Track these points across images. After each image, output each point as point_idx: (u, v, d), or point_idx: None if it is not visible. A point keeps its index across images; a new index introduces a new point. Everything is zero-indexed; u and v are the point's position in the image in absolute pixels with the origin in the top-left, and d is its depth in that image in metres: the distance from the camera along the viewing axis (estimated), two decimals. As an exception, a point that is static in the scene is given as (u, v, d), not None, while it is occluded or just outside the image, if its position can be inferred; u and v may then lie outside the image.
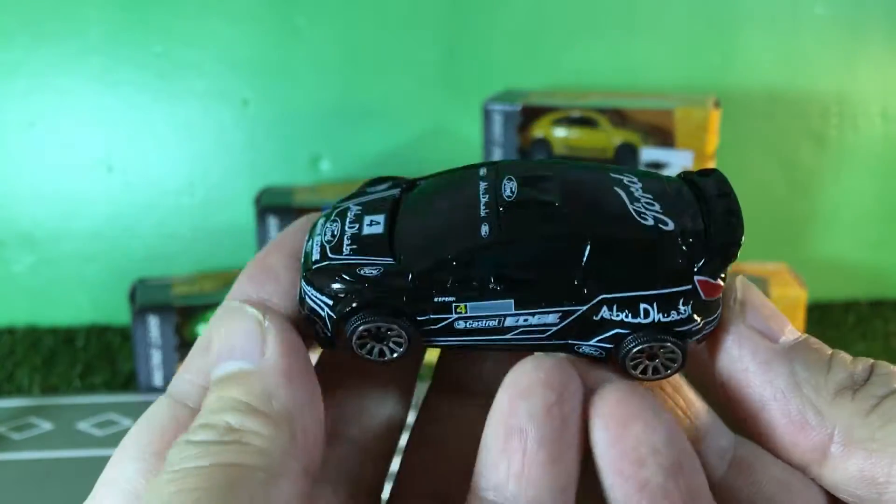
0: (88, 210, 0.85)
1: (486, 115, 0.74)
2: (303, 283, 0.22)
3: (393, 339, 0.22)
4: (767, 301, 0.22)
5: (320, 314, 0.22)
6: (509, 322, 0.21)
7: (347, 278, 0.22)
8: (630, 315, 0.21)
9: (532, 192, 0.22)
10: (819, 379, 0.21)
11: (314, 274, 0.22)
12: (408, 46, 0.84)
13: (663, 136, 0.72)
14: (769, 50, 0.86)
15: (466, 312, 0.21)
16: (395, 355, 0.23)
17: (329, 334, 0.22)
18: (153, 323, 0.73)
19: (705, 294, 0.21)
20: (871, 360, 0.21)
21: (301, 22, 0.83)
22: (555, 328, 0.21)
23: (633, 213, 0.21)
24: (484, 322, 0.22)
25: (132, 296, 0.75)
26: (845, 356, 0.21)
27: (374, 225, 0.23)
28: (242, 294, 0.22)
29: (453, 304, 0.21)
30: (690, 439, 0.21)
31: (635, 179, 0.23)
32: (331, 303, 0.22)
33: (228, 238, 0.86)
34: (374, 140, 0.85)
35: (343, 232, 0.23)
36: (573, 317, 0.21)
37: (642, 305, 0.21)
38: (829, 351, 0.21)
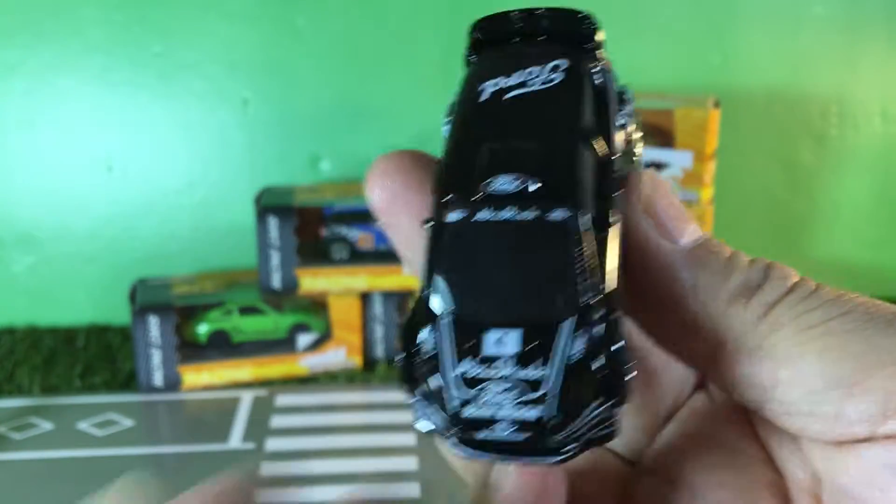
0: (88, 210, 0.85)
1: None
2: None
3: None
4: (675, 199, 0.22)
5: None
6: None
7: None
8: None
9: None
10: (715, 285, 0.21)
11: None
12: (408, 46, 0.84)
13: (663, 136, 0.72)
14: (769, 50, 0.86)
15: None
16: None
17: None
18: (153, 323, 0.73)
19: None
20: (768, 262, 0.21)
21: (301, 22, 0.83)
22: None
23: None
24: None
25: (132, 296, 0.75)
26: (743, 258, 0.21)
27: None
28: None
29: None
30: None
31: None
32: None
33: (228, 238, 0.86)
34: (374, 140, 0.85)
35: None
36: None
37: None
38: (728, 253, 0.21)
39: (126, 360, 0.78)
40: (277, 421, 0.69)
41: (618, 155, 0.21)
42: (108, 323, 0.86)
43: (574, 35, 0.23)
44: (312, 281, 0.77)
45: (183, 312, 0.76)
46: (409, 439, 0.66)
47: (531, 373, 0.19)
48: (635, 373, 0.19)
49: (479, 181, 0.20)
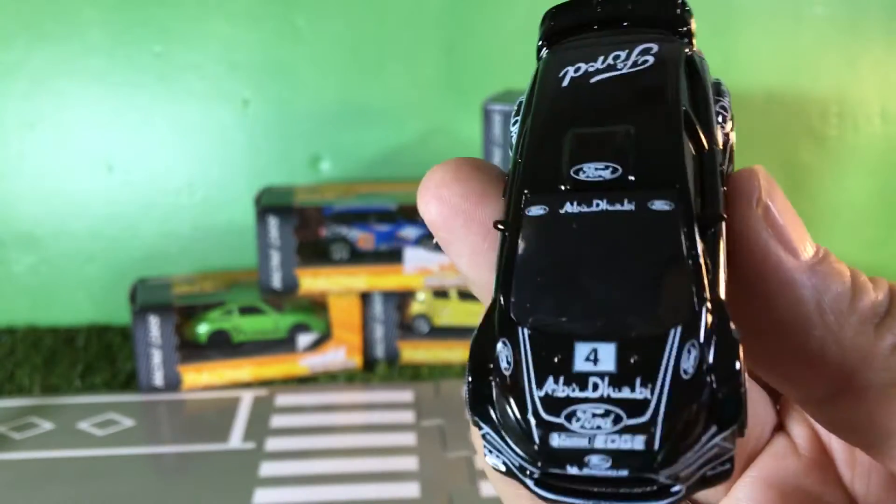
0: (89, 210, 0.85)
1: (486, 115, 0.74)
2: None
3: None
4: (789, 204, 0.19)
5: None
6: None
7: None
8: None
9: None
10: (842, 306, 0.18)
11: None
12: (408, 46, 0.84)
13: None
14: (769, 50, 0.86)
15: None
16: None
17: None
18: (153, 322, 0.73)
19: None
20: (888, 284, 0.19)
21: (301, 22, 0.83)
22: None
23: None
24: None
25: (132, 296, 0.75)
26: (866, 280, 0.19)
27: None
28: None
29: None
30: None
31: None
32: None
33: (228, 238, 0.86)
34: (374, 140, 0.86)
35: None
36: None
37: None
38: (849, 272, 0.19)
39: (126, 360, 0.78)
40: (277, 421, 0.69)
41: (719, 148, 0.19)
42: (108, 323, 0.86)
43: (662, 20, 0.20)
44: (312, 281, 0.77)
45: (183, 312, 0.76)
46: (409, 439, 0.66)
47: (633, 394, 0.15)
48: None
49: (566, 170, 0.17)
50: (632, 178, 0.17)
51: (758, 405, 0.21)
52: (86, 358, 0.79)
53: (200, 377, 0.75)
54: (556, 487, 0.16)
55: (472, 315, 0.78)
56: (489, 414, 0.16)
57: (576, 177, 0.17)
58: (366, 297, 0.79)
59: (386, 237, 0.78)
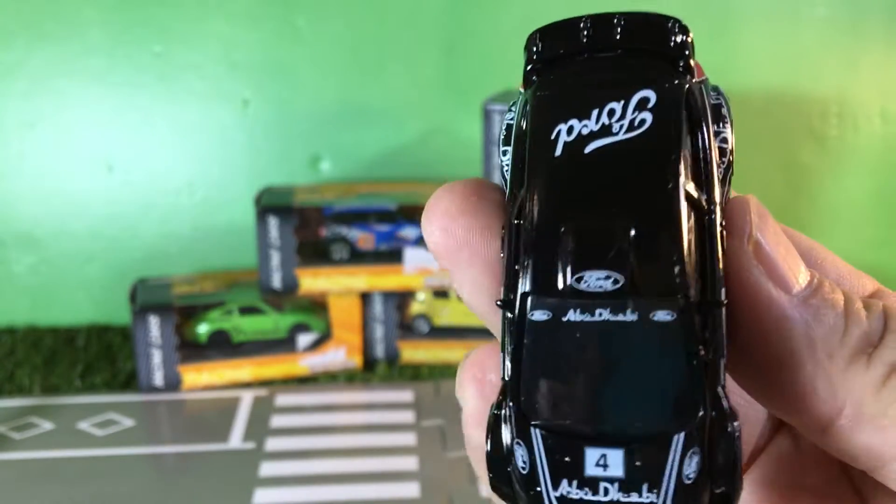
0: (89, 210, 0.85)
1: (486, 115, 0.74)
2: None
3: None
4: (781, 234, 0.19)
5: None
6: None
7: None
8: None
9: None
10: (834, 341, 0.18)
11: None
12: (408, 46, 0.84)
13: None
14: (770, 50, 0.86)
15: None
16: None
17: None
18: (153, 322, 0.73)
19: None
20: (882, 307, 0.19)
21: (301, 22, 0.83)
22: None
23: None
24: None
25: (133, 295, 0.75)
26: (860, 308, 0.19)
27: None
28: None
29: None
30: None
31: None
32: None
33: (228, 238, 0.86)
34: (374, 140, 0.86)
35: None
36: None
37: None
38: (843, 300, 0.19)
39: (126, 360, 0.78)
40: (277, 421, 0.69)
41: (721, 203, 0.19)
42: (108, 323, 0.86)
43: (656, 47, 0.19)
44: (312, 281, 0.77)
45: (183, 312, 0.76)
46: (409, 439, 0.66)
47: (640, 498, 0.17)
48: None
49: (565, 273, 0.17)
50: (634, 290, 0.17)
51: (757, 406, 0.21)
52: (86, 358, 0.79)
53: (200, 377, 0.75)
54: None
55: (472, 315, 0.77)
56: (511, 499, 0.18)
57: (577, 285, 0.17)
58: (366, 297, 0.79)
59: (386, 237, 0.78)
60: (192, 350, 0.75)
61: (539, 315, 0.17)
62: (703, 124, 0.18)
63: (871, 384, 0.18)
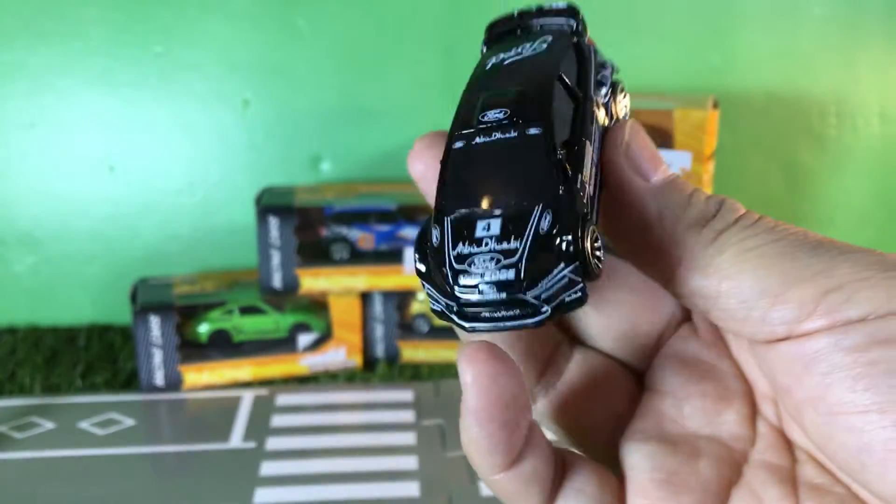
0: (89, 210, 0.85)
1: (486, 116, 0.74)
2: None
3: None
4: (650, 145, 0.26)
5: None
6: None
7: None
8: None
9: None
10: (677, 214, 0.25)
11: None
12: (408, 46, 0.84)
13: (662, 137, 0.73)
14: (769, 50, 0.86)
15: None
16: None
17: None
18: (154, 322, 0.73)
19: None
20: (722, 198, 0.26)
21: (301, 22, 0.83)
22: None
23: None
24: None
25: (133, 295, 0.75)
26: (702, 194, 0.26)
27: None
28: None
29: None
30: None
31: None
32: None
33: (229, 238, 0.86)
34: (374, 140, 0.86)
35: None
36: None
37: None
38: (691, 189, 0.26)
39: (127, 360, 0.78)
40: (278, 420, 0.69)
41: (593, 100, 0.26)
42: (109, 322, 0.86)
43: (562, 23, 0.28)
44: (313, 281, 0.77)
45: (184, 312, 0.76)
46: (409, 439, 0.66)
47: (508, 245, 0.23)
48: (602, 252, 0.23)
49: (475, 115, 0.25)
50: (516, 117, 0.25)
51: (666, 306, 0.29)
52: (87, 358, 0.79)
53: (201, 377, 0.75)
54: (469, 317, 0.24)
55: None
56: (429, 274, 0.24)
57: (481, 120, 0.25)
58: (366, 297, 0.79)
59: (386, 237, 0.78)
60: (193, 350, 0.76)
61: (458, 144, 0.25)
62: (585, 56, 0.27)
63: (701, 243, 0.25)
